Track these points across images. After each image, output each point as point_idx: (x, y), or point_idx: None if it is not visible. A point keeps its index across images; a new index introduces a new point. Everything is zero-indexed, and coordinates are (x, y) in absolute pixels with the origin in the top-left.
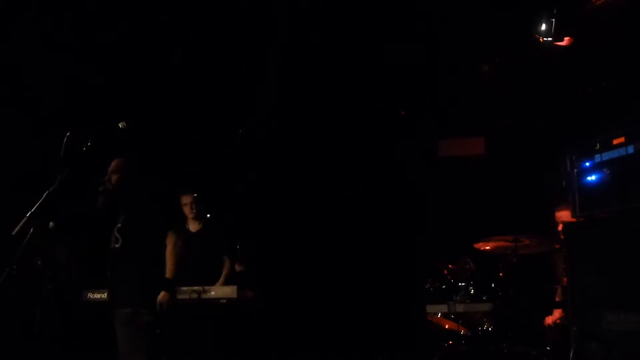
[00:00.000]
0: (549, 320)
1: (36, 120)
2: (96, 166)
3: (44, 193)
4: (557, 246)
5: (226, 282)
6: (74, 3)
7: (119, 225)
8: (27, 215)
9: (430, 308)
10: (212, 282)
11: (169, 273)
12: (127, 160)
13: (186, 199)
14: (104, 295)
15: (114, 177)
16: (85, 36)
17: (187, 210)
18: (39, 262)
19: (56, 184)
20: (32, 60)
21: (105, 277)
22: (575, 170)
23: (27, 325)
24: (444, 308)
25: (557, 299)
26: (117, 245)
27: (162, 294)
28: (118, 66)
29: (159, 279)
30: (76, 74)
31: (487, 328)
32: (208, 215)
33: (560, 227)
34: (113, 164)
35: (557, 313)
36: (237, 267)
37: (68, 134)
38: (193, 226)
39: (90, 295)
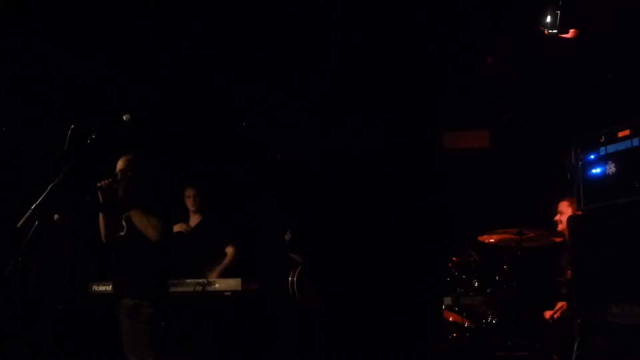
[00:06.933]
0: (547, 314)
1: (40, 112)
2: (101, 158)
3: (48, 185)
4: (558, 239)
5: (225, 273)
6: None
7: (127, 213)
8: (32, 207)
9: None
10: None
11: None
12: (132, 156)
13: (189, 192)
14: (109, 288)
15: (122, 175)
16: (89, 27)
17: (189, 203)
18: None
19: (61, 176)
20: (36, 51)
21: (110, 268)
22: (580, 162)
23: (33, 318)
24: (448, 300)
25: (562, 292)
26: (122, 233)
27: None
28: (122, 58)
29: (164, 270)
30: (80, 66)
31: (491, 321)
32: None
33: (558, 217)
34: (120, 162)
35: (558, 306)
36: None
37: (72, 126)
38: (193, 220)
39: (96, 288)
